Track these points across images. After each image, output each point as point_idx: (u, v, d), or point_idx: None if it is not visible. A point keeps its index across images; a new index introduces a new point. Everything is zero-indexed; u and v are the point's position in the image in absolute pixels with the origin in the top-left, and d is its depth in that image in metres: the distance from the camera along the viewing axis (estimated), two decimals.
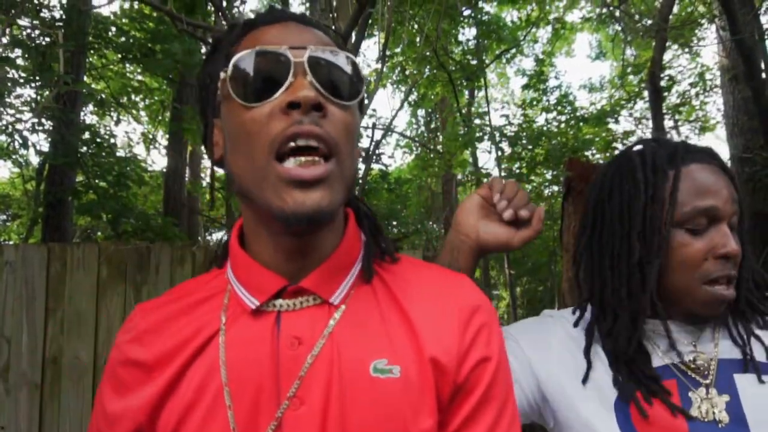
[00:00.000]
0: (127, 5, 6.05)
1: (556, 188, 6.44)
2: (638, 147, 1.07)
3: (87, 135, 5.39)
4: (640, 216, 0.98)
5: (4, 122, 4.58)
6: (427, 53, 6.19)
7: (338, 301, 0.74)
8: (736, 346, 0.96)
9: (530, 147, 5.57)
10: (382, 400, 0.69)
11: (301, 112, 0.67)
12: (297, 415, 0.68)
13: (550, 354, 1.03)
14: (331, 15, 3.83)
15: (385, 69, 7.69)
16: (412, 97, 8.18)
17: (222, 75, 0.71)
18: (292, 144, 0.66)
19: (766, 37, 5.10)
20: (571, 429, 0.98)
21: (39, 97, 4.85)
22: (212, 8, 3.72)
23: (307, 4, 6.47)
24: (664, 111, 9.67)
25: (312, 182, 0.66)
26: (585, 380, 0.98)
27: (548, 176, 6.04)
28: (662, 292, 0.97)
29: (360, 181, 5.76)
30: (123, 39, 4.60)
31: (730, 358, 0.95)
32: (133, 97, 7.73)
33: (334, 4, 3.89)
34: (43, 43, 4.78)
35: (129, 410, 0.73)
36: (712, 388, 0.92)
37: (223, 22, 3.20)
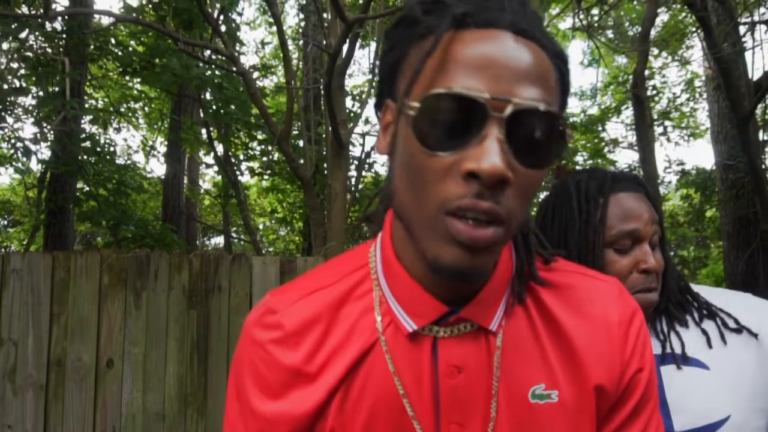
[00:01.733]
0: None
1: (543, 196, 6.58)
2: (575, 177, 1.24)
3: (88, 144, 5.53)
4: (576, 238, 1.15)
5: (7, 131, 4.73)
6: None
7: (495, 327, 0.69)
8: (658, 341, 1.12)
9: None
10: (542, 425, 0.68)
11: (482, 185, 0.57)
12: None
13: None
14: (323, 30, 4.00)
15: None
16: None
17: (410, 107, 0.61)
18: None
19: (749, 46, 5.27)
20: None
21: (39, 110, 5.00)
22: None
23: (301, 14, 6.62)
24: (655, 118, 9.85)
25: (477, 246, 0.59)
26: None
27: None
28: None
29: (352, 189, 5.92)
30: (123, 52, 4.75)
31: (655, 353, 1.11)
32: (132, 104, 7.88)
33: (326, 21, 4.05)
34: (47, 51, 4.93)
35: (286, 415, 0.70)
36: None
37: (218, 41, 3.36)
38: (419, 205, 0.61)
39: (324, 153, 5.31)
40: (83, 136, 5.60)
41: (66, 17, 5.25)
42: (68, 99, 2.61)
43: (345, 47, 3.55)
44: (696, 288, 1.19)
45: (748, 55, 5.47)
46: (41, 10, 4.89)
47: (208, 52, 4.29)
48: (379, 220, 0.77)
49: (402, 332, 0.69)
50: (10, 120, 4.52)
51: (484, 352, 0.69)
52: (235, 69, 3.51)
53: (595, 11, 6.30)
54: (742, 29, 5.25)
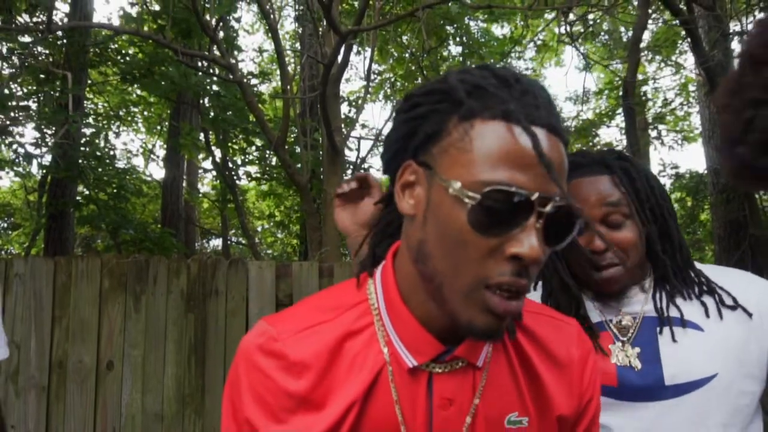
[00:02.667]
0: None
1: None
2: None
3: (88, 149, 5.59)
4: None
5: (8, 137, 4.80)
6: (413, 68, 6.42)
7: (481, 364, 0.78)
8: (655, 310, 1.22)
9: None
10: None
11: (522, 266, 0.67)
12: None
13: None
14: (318, 40, 4.09)
15: (376, 81, 7.94)
16: None
17: (457, 185, 0.68)
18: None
19: (738, 50, 5.35)
20: None
21: (40, 115, 5.08)
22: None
23: (297, 24, 6.71)
24: (650, 121, 9.95)
25: (508, 316, 0.69)
26: None
27: None
28: (577, 279, 1.25)
29: None
30: (123, 60, 4.83)
31: (652, 316, 1.22)
32: (131, 108, 7.96)
33: (321, 29, 4.13)
34: (49, 59, 5.01)
35: None
36: (627, 344, 1.19)
37: (215, 50, 3.44)
38: (457, 275, 0.69)
39: (320, 158, 5.39)
40: (84, 140, 5.67)
41: (67, 21, 5.34)
42: (71, 113, 2.68)
43: (340, 56, 3.63)
44: (700, 266, 1.27)
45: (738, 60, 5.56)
46: (42, 16, 4.98)
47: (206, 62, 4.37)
48: (372, 265, 0.85)
49: (403, 367, 0.76)
50: (15, 129, 4.60)
51: (470, 386, 0.78)
52: (232, 77, 3.59)
53: (588, 17, 6.38)
54: (732, 34, 5.34)
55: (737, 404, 1.11)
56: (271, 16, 3.84)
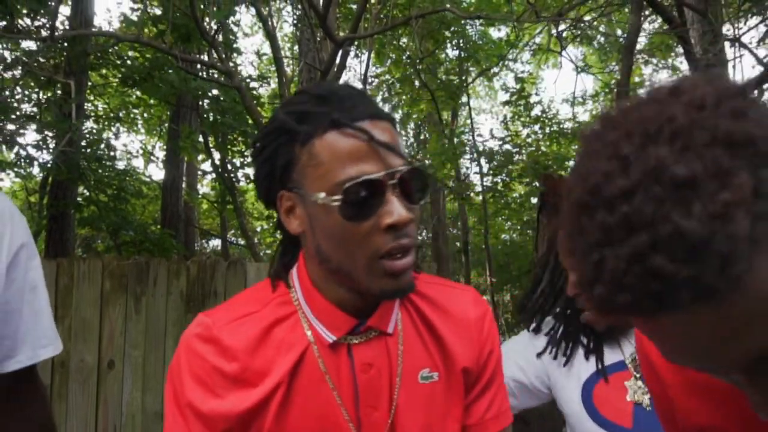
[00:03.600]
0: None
1: (534, 200, 6.76)
2: None
3: (88, 151, 5.65)
4: None
5: (8, 138, 4.86)
6: (410, 72, 6.47)
7: (392, 330, 0.92)
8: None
9: (507, 164, 5.87)
10: (428, 398, 0.92)
11: (399, 230, 0.81)
12: (373, 418, 0.90)
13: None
14: (315, 45, 4.14)
15: (374, 84, 8.00)
16: (398, 115, 8.49)
17: (322, 195, 0.81)
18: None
19: (731, 56, 5.41)
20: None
21: (42, 116, 5.14)
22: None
23: (295, 28, 6.76)
24: None
25: (404, 271, 0.83)
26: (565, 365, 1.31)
27: (522, 191, 6.33)
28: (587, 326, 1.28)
29: None
30: (123, 64, 4.89)
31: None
32: (131, 109, 8.01)
33: (318, 35, 4.19)
34: (49, 62, 5.07)
35: (225, 413, 0.86)
36: (640, 379, 1.19)
37: (214, 56, 3.51)
38: (355, 260, 0.83)
39: None
40: (85, 142, 5.73)
41: (68, 24, 5.40)
42: (74, 121, 2.75)
43: (337, 61, 3.69)
44: None
45: (731, 63, 5.63)
46: (43, 20, 5.04)
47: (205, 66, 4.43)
48: (284, 272, 0.98)
49: (324, 343, 0.90)
50: (20, 140, 4.66)
51: (385, 350, 0.92)
52: (231, 83, 3.66)
53: (585, 19, 6.44)
54: (723, 38, 5.39)
55: None
56: (269, 22, 3.90)
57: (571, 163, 8.18)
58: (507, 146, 6.81)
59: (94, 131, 5.86)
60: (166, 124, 7.86)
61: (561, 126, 7.33)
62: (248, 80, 5.40)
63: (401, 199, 0.81)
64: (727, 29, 5.48)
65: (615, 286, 0.48)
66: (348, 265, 0.84)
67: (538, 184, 5.49)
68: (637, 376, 1.20)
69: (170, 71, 4.02)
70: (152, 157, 9.04)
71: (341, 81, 4.51)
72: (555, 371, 1.33)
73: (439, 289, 1.01)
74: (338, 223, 0.81)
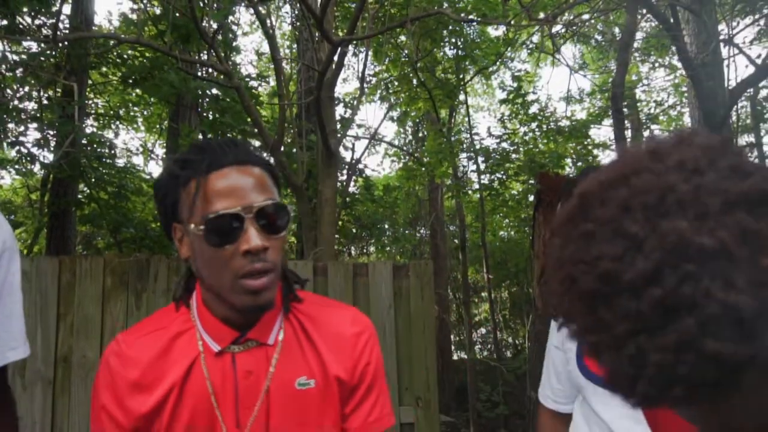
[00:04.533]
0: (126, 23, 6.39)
1: (531, 197, 6.81)
2: None
3: (90, 148, 5.68)
4: None
5: (10, 138, 4.90)
6: (408, 71, 6.51)
7: (272, 342, 1.08)
8: None
9: (504, 163, 5.92)
10: (304, 403, 1.07)
11: (254, 255, 0.98)
12: (250, 419, 1.04)
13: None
14: (314, 45, 4.19)
15: (372, 83, 8.04)
16: (396, 113, 8.54)
17: (198, 228, 0.99)
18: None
19: (725, 55, 5.46)
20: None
21: (42, 114, 5.18)
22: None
23: (293, 28, 6.79)
24: (643, 120, 10.06)
25: (262, 290, 0.99)
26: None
27: (519, 188, 6.37)
28: None
29: (340, 195, 6.12)
30: (123, 64, 4.93)
31: None
32: (131, 107, 8.05)
33: (316, 35, 4.24)
34: (51, 59, 5.11)
35: (129, 414, 1.04)
36: None
37: (213, 55, 3.56)
38: (221, 280, 1.00)
39: (315, 159, 5.50)
40: (85, 139, 5.77)
41: (68, 23, 5.44)
42: (77, 123, 2.79)
43: (334, 62, 3.74)
44: None
45: (725, 63, 5.67)
46: (45, 19, 5.08)
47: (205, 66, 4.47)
48: (186, 294, 1.16)
49: (211, 352, 1.07)
50: (22, 138, 4.70)
51: (264, 359, 1.07)
52: (230, 83, 3.71)
53: (583, 17, 6.47)
54: (717, 39, 5.43)
55: None
56: (268, 22, 3.95)
57: (568, 160, 8.26)
58: (504, 144, 6.87)
59: (95, 129, 5.89)
60: (166, 122, 7.90)
61: (558, 124, 7.38)
62: (247, 79, 5.46)
63: (260, 230, 0.98)
64: (721, 29, 5.53)
65: (664, 380, 0.43)
66: (217, 284, 1.01)
67: (534, 182, 5.55)
68: None
69: (170, 71, 4.06)
70: (152, 155, 9.09)
71: (339, 80, 4.57)
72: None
73: (321, 309, 1.17)
74: (206, 249, 0.99)
